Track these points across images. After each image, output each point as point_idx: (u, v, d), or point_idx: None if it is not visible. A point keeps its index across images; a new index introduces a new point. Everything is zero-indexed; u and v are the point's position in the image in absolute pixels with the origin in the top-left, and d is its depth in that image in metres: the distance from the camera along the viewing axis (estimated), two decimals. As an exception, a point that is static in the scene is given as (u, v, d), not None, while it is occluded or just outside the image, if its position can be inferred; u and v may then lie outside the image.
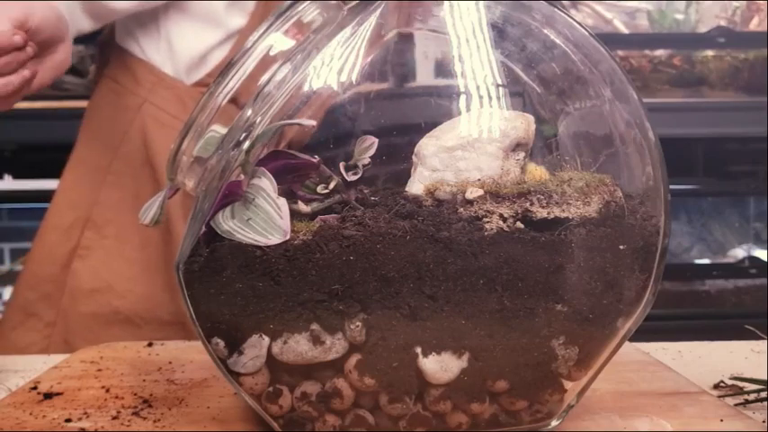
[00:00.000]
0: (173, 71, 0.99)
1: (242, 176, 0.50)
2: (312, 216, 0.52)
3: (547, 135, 0.55)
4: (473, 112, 0.53)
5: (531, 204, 0.48)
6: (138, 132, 0.99)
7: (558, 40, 0.55)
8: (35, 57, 0.77)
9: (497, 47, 0.54)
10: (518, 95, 0.55)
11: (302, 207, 0.52)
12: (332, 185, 0.53)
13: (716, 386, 0.68)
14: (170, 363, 0.73)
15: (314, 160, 0.54)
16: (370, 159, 0.54)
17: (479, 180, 0.51)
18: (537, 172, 0.53)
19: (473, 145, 0.52)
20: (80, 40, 0.91)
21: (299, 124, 0.53)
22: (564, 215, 0.48)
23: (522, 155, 0.52)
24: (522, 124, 0.52)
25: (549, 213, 0.48)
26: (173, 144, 0.51)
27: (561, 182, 0.50)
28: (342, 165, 0.53)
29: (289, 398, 0.50)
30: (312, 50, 0.50)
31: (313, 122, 0.52)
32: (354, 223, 0.49)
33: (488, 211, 0.48)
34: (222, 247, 0.48)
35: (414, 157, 0.53)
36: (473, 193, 0.48)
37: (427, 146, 0.52)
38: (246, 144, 0.49)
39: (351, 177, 0.53)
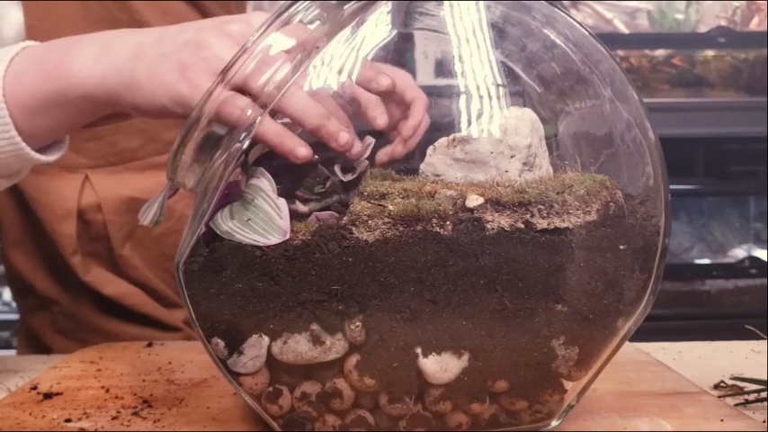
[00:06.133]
0: None
1: (240, 176, 0.50)
2: (309, 216, 0.52)
3: (547, 135, 0.54)
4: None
5: (532, 216, 0.48)
6: None
7: (558, 40, 0.55)
8: None
9: (497, 47, 0.54)
10: (518, 95, 0.55)
11: (300, 207, 0.52)
12: (327, 185, 0.53)
13: (716, 386, 0.68)
14: (170, 363, 0.73)
15: (311, 160, 0.54)
16: (367, 160, 0.54)
17: (480, 184, 0.51)
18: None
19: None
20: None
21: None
22: (564, 225, 0.48)
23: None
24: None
25: (549, 224, 0.48)
26: (173, 144, 0.51)
27: (562, 187, 0.50)
28: (338, 166, 0.53)
29: (289, 398, 0.50)
30: (312, 50, 0.50)
31: None
32: (353, 224, 0.49)
33: (488, 221, 0.48)
34: (222, 247, 0.48)
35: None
36: (474, 201, 0.48)
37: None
38: (246, 144, 0.49)
39: (347, 177, 0.53)
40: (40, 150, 0.67)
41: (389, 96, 0.61)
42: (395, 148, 0.58)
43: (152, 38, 0.61)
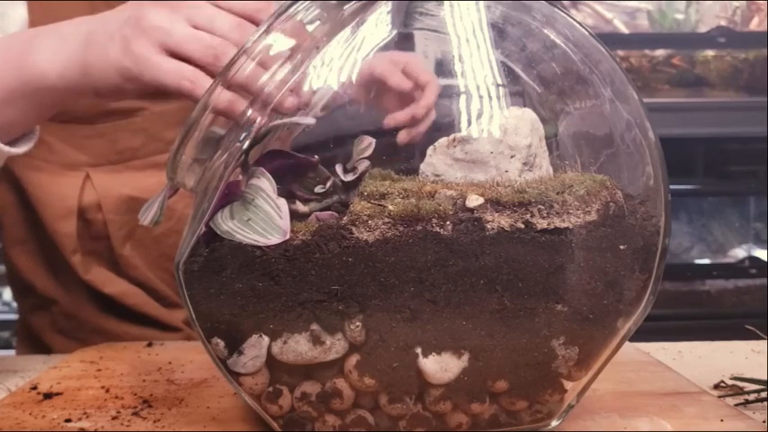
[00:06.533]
0: None
1: (240, 176, 0.50)
2: (309, 216, 0.52)
3: (547, 135, 0.54)
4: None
5: (532, 216, 0.48)
6: None
7: (558, 40, 0.55)
8: None
9: (497, 47, 0.54)
10: (518, 95, 0.55)
11: (300, 207, 0.52)
12: (328, 185, 0.53)
13: (716, 386, 0.68)
14: (170, 363, 0.73)
15: (312, 160, 0.54)
16: (368, 160, 0.54)
17: (480, 184, 0.51)
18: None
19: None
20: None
21: (297, 123, 0.53)
22: (564, 225, 0.48)
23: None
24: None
25: (549, 224, 0.48)
26: (173, 144, 0.51)
27: (563, 187, 0.50)
28: (339, 166, 0.53)
29: (289, 398, 0.50)
30: (312, 50, 0.50)
31: (312, 121, 0.52)
32: (353, 223, 0.49)
33: (488, 221, 0.48)
34: (222, 247, 0.48)
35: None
36: (474, 201, 0.48)
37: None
38: (246, 144, 0.49)
39: (347, 178, 0.53)
40: (10, 143, 0.67)
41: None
42: (413, 130, 0.59)
43: (99, 22, 0.63)
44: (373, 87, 0.59)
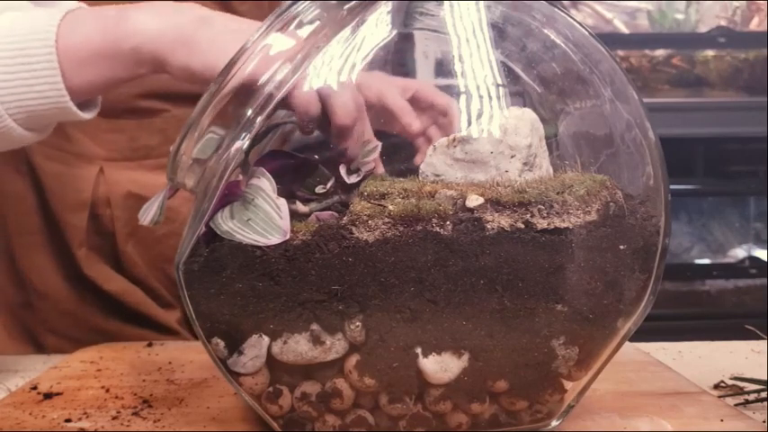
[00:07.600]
0: None
1: (240, 176, 0.50)
2: (310, 216, 0.52)
3: (547, 135, 0.54)
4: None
5: (532, 216, 0.48)
6: None
7: (558, 40, 0.55)
8: None
9: (497, 47, 0.54)
10: (518, 95, 0.55)
11: (300, 207, 0.52)
12: (329, 185, 0.53)
13: (716, 386, 0.68)
14: (170, 363, 0.73)
15: (312, 160, 0.55)
16: (372, 162, 0.54)
17: (480, 184, 0.51)
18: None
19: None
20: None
21: (295, 122, 0.53)
22: (564, 225, 0.48)
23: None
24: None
25: (549, 224, 0.48)
26: (173, 144, 0.51)
27: (563, 187, 0.50)
28: (343, 167, 0.53)
29: (289, 398, 0.50)
30: (312, 50, 0.50)
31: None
32: (353, 223, 0.49)
33: (488, 221, 0.48)
34: (222, 247, 0.48)
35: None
36: (474, 201, 0.48)
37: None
38: (246, 144, 0.48)
39: (351, 179, 0.53)
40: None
41: (417, 104, 0.62)
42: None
43: (218, 16, 0.64)
44: (382, 116, 0.60)
